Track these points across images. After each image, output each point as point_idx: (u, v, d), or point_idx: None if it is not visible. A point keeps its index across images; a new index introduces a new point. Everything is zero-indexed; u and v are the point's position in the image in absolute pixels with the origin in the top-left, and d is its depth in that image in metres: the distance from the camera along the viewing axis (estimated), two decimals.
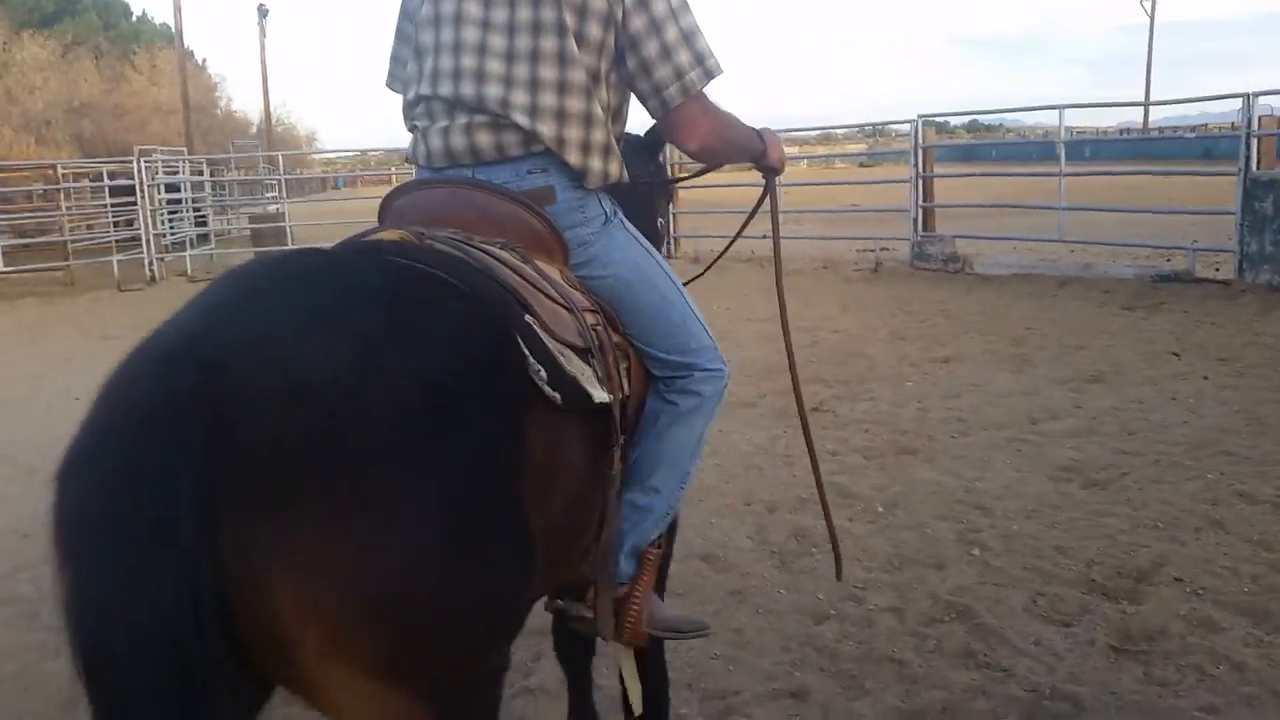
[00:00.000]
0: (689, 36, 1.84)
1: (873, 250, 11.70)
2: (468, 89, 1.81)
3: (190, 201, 16.72)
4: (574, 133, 1.84)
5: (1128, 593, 3.16)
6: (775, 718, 2.62)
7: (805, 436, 2.46)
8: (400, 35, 1.99)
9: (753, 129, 2.11)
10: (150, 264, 13.33)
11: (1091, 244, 10.78)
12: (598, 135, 1.87)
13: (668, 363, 1.95)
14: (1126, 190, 14.61)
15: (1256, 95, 8.47)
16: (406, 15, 1.96)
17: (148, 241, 13.35)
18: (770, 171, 2.23)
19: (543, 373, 1.50)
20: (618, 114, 1.96)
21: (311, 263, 1.43)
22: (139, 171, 13.42)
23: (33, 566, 3.52)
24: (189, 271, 13.45)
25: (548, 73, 1.80)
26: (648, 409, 1.96)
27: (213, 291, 1.33)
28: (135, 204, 13.57)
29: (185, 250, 14.53)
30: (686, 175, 2.61)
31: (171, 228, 15.59)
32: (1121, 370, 6.05)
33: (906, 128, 11.65)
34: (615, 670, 2.21)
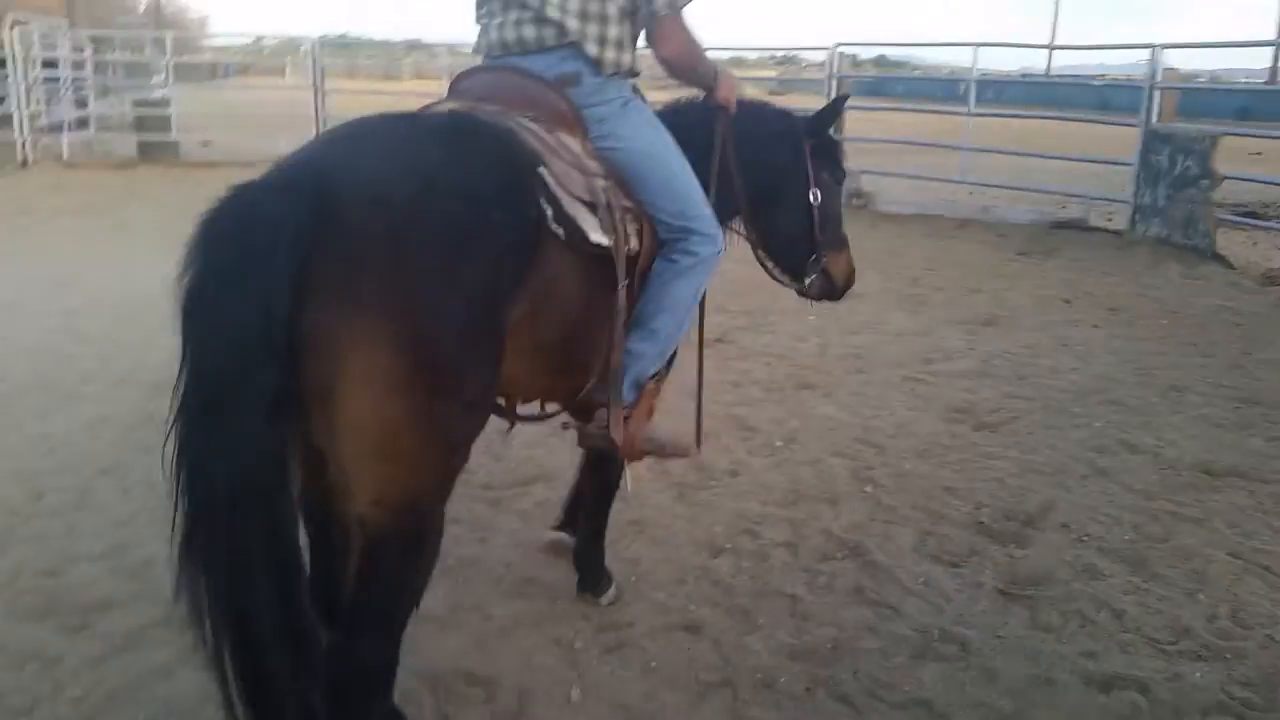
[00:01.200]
0: None
1: None
2: None
3: (70, 80, 15.45)
4: (593, 29, 2.30)
5: (1015, 536, 3.23)
6: (668, 651, 2.59)
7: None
8: None
9: (714, 63, 2.57)
10: (23, 145, 12.29)
11: (991, 187, 10.95)
12: (611, 32, 2.33)
13: (671, 225, 2.36)
14: (1025, 135, 14.88)
15: (1163, 48, 8.61)
16: None
17: (20, 121, 12.30)
18: (717, 105, 2.59)
19: (549, 211, 1.98)
20: (632, 18, 2.37)
21: (391, 117, 1.96)
22: (11, 43, 12.25)
23: None
24: (65, 156, 12.50)
25: None
26: (654, 265, 2.37)
27: (326, 134, 1.96)
28: (7, 78, 12.44)
29: (62, 133, 13.46)
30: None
31: (48, 107, 14.40)
32: (1015, 315, 6.17)
33: (820, 55, 11.53)
34: None
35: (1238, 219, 9.07)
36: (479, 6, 2.43)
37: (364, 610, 1.80)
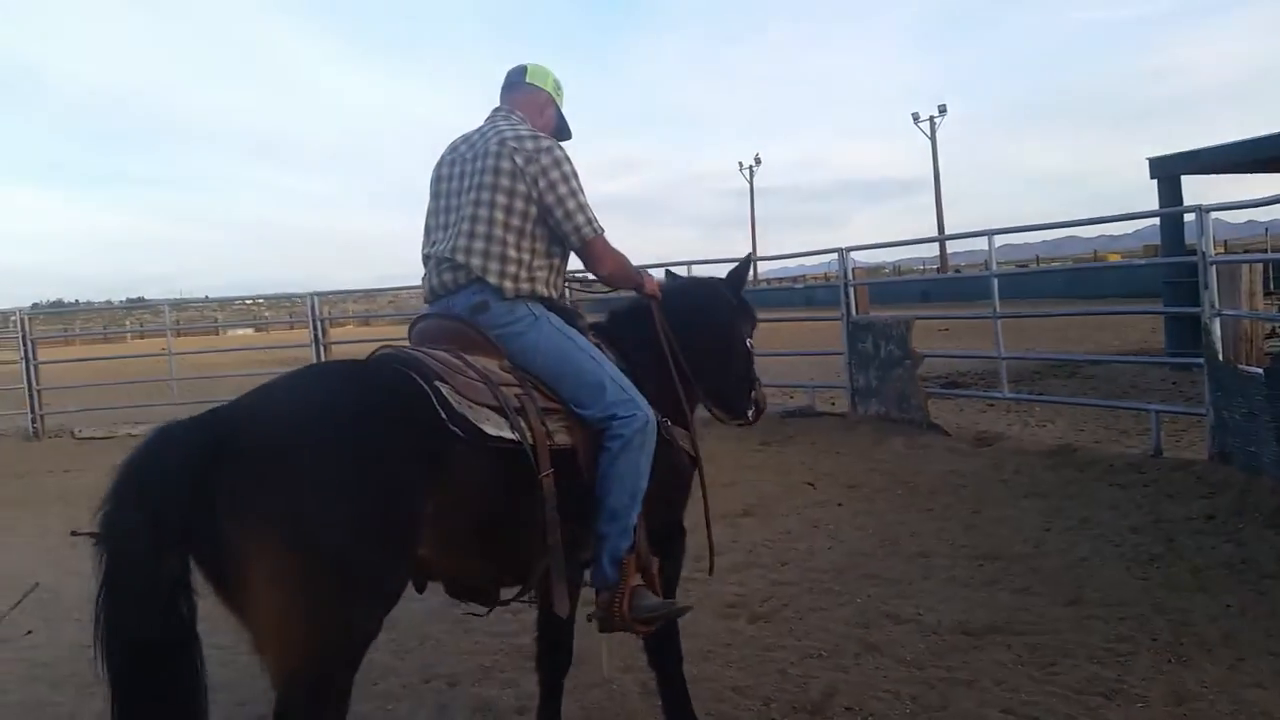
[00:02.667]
0: (580, 206, 2.93)
1: None
2: (440, 247, 2.92)
3: None
4: (494, 265, 2.84)
5: None
6: None
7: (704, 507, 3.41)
8: (429, 200, 3.09)
9: (635, 267, 3.18)
10: None
11: None
12: (510, 267, 2.85)
13: (594, 417, 2.75)
14: None
15: (848, 250, 9.76)
16: (429, 190, 3.09)
17: None
18: (647, 297, 3.20)
19: (443, 414, 2.35)
20: (547, 249, 2.95)
21: (315, 366, 2.62)
22: None
23: None
24: None
25: (480, 228, 2.85)
26: (597, 455, 2.73)
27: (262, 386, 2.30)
28: None
29: None
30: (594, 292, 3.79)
31: None
32: (768, 503, 6.48)
33: None
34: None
35: (943, 390, 10.16)
36: (424, 264, 3.02)
37: None
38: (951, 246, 53.81)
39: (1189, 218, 7.89)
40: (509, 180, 2.85)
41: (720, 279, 3.56)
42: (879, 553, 5.14)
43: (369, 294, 37.50)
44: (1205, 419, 6.41)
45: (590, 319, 3.18)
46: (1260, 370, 5.60)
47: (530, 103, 3.16)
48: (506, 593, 2.82)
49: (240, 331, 43.58)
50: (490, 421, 2.45)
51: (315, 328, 12.74)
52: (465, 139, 3.04)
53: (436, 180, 3.05)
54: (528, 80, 3.19)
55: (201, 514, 1.92)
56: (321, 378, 2.44)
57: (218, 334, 40.71)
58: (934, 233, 44.21)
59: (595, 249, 2.98)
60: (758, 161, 70.07)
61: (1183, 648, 3.65)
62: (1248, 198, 6.29)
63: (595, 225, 2.95)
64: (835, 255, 9.87)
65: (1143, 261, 28.13)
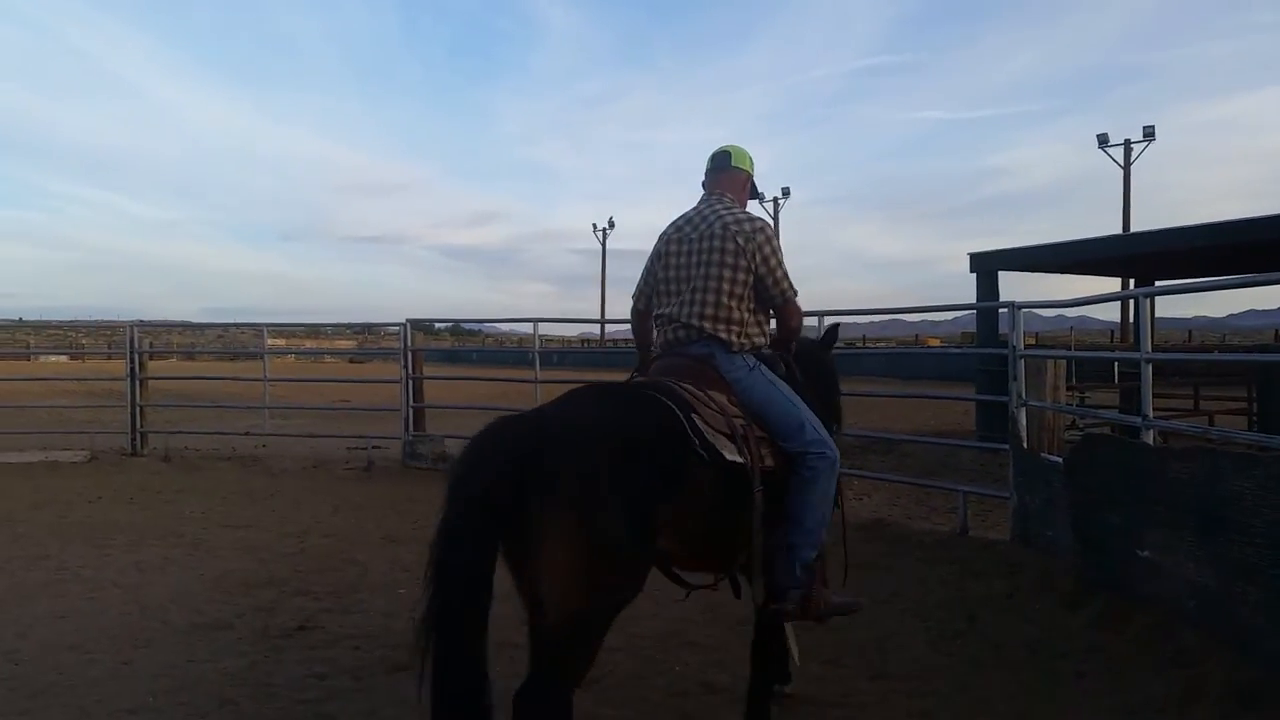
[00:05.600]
0: (785, 275, 3.74)
1: (365, 449, 11.50)
2: (674, 309, 3.70)
3: None
4: (721, 326, 3.62)
5: None
6: None
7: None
8: (646, 268, 3.93)
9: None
10: None
11: None
12: (734, 326, 3.64)
13: (790, 450, 3.42)
14: None
15: None
16: (652, 257, 3.90)
17: None
18: (796, 350, 4.00)
19: (696, 441, 3.01)
20: (755, 308, 3.71)
21: (597, 386, 3.15)
22: None
23: None
24: None
25: (708, 295, 3.63)
26: (790, 480, 3.40)
27: (559, 396, 3.03)
28: None
29: None
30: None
31: None
32: None
33: (396, 328, 11.89)
34: None
35: None
36: (657, 316, 3.85)
37: (542, 677, 2.66)
38: None
39: (1003, 311, 8.48)
40: (733, 258, 3.62)
41: (816, 339, 4.55)
42: (700, 619, 5.19)
43: (196, 328, 35.68)
44: (1009, 502, 6.83)
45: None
46: (1060, 459, 6.03)
47: (734, 182, 3.94)
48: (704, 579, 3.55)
49: (54, 358, 40.45)
50: (726, 447, 3.12)
51: (132, 360, 12.00)
52: (688, 220, 3.82)
53: (664, 254, 3.82)
54: (734, 164, 3.95)
55: (518, 487, 2.53)
56: (609, 398, 3.06)
57: (29, 360, 37.66)
58: None
59: (790, 308, 3.82)
60: (611, 224, 71.00)
61: None
62: (1059, 297, 6.83)
63: (793, 289, 3.76)
64: None
65: (957, 350, 30.12)
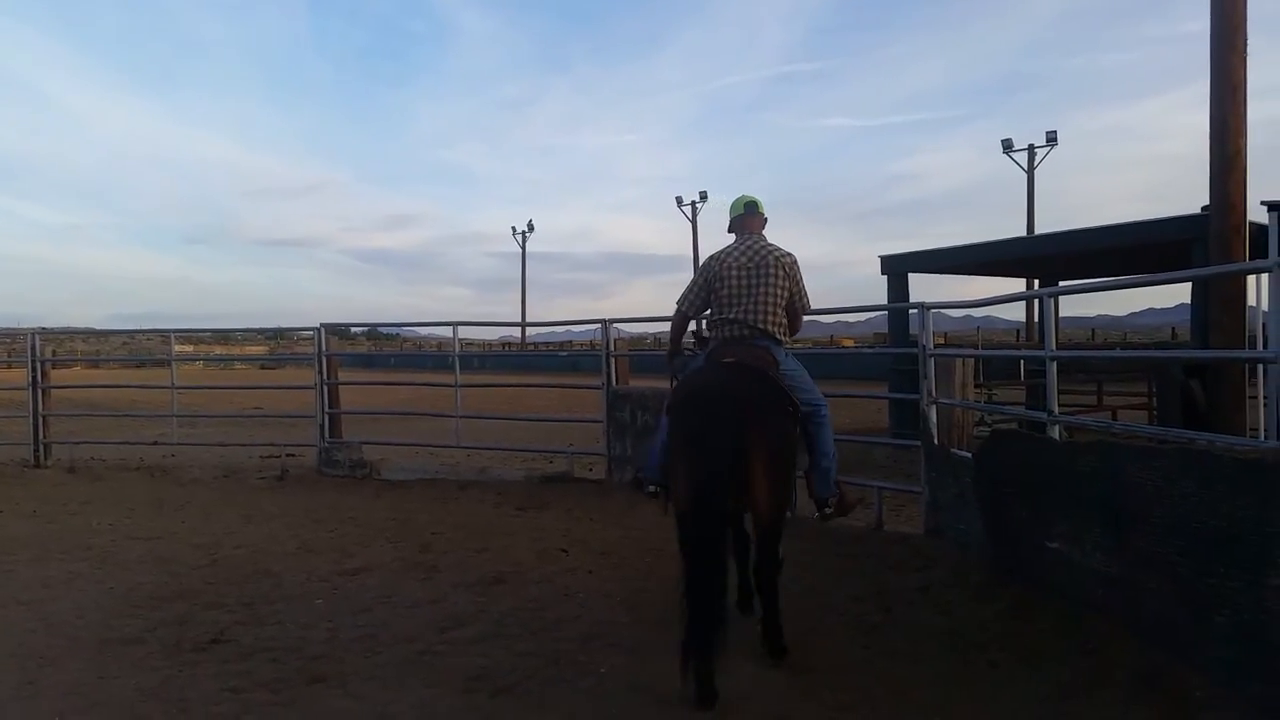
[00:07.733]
0: (807, 292, 5.39)
1: (278, 456, 11.21)
2: (739, 314, 5.16)
3: None
4: (773, 326, 5.16)
5: None
6: None
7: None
8: (702, 284, 5.34)
9: None
10: None
11: (486, 449, 11.59)
12: (781, 328, 5.22)
13: (808, 403, 5.12)
14: (509, 399, 16.08)
15: (611, 321, 9.98)
16: (710, 277, 5.30)
17: None
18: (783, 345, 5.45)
19: (787, 396, 4.84)
20: (794, 316, 5.36)
21: (718, 365, 4.95)
22: None
23: None
24: None
25: (767, 306, 5.14)
26: (809, 425, 5.17)
27: (695, 370, 5.19)
28: None
29: None
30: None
31: None
32: (520, 569, 6.42)
33: (310, 332, 11.62)
34: None
35: None
36: (713, 318, 5.30)
37: (765, 547, 4.66)
38: None
39: (913, 311, 8.68)
40: (780, 281, 5.17)
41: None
42: (625, 621, 5.20)
43: (101, 334, 34.32)
44: (922, 496, 7.00)
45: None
46: (969, 454, 6.20)
47: (760, 223, 5.44)
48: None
49: None
50: (795, 402, 4.87)
51: (34, 369, 11.50)
52: (741, 251, 5.24)
53: (725, 277, 5.20)
54: (759, 211, 5.44)
55: (737, 432, 4.31)
56: (747, 372, 4.75)
57: None
58: None
59: (803, 316, 5.43)
60: (530, 228, 70.74)
61: (901, 717, 3.92)
62: (967, 298, 7.04)
63: (810, 303, 5.42)
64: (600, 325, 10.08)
65: (871, 349, 30.81)
